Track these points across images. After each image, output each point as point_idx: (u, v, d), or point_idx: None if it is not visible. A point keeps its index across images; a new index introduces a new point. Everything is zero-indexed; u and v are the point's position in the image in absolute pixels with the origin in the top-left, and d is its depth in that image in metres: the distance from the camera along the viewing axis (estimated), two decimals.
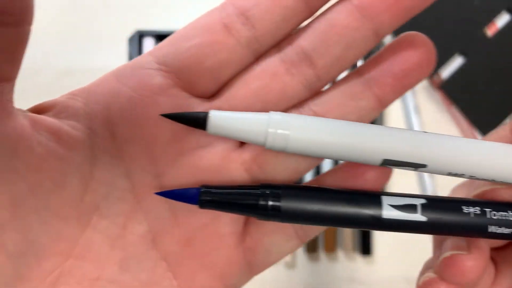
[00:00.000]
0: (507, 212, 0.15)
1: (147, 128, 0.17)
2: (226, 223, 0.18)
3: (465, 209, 0.15)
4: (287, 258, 0.45)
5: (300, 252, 0.46)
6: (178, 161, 0.18)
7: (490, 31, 0.43)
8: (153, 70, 0.17)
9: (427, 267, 0.20)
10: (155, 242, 0.18)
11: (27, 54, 0.50)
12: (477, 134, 0.43)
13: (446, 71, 0.43)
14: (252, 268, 0.19)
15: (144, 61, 0.18)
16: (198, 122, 0.16)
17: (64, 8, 0.46)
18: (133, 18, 0.46)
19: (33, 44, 0.50)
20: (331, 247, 0.45)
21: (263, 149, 0.18)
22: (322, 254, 0.46)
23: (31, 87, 0.46)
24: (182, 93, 0.17)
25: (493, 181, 0.16)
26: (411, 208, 0.15)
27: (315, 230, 0.19)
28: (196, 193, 0.16)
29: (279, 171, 0.18)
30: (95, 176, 0.17)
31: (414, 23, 0.42)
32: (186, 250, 0.18)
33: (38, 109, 0.18)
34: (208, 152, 0.18)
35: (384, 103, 0.18)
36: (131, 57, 0.44)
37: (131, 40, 0.44)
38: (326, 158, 0.16)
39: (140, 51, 0.44)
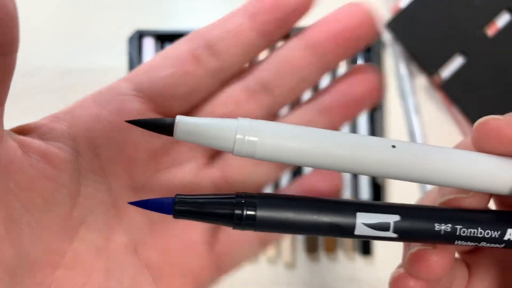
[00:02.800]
0: (476, 229, 0.15)
1: (126, 149, 0.19)
2: (198, 232, 0.20)
3: (437, 226, 0.15)
4: (287, 258, 0.45)
5: (300, 252, 0.46)
6: (154, 178, 0.20)
7: (491, 31, 0.43)
8: (131, 96, 0.20)
9: (398, 266, 0.20)
10: (137, 251, 0.20)
11: (27, 53, 0.50)
12: None
13: (446, 71, 0.43)
14: (221, 271, 0.22)
15: (122, 87, 0.20)
16: (165, 127, 0.15)
17: (64, 8, 0.47)
18: (133, 18, 0.47)
19: (34, 44, 0.50)
20: (331, 247, 0.45)
21: (230, 165, 0.20)
22: (322, 254, 0.46)
23: (32, 86, 0.46)
24: (158, 116, 0.20)
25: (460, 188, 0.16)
26: (383, 226, 0.15)
27: (275, 236, 0.21)
28: (170, 203, 0.15)
29: (247, 186, 0.20)
30: (81, 192, 0.19)
31: (416, 23, 0.42)
32: (164, 258, 0.20)
33: (22, 130, 0.19)
34: (181, 170, 0.20)
35: (335, 128, 0.20)
36: (130, 57, 0.44)
37: (130, 40, 0.44)
38: (294, 164, 0.16)
39: (140, 51, 0.44)
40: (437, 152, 0.15)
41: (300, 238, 0.46)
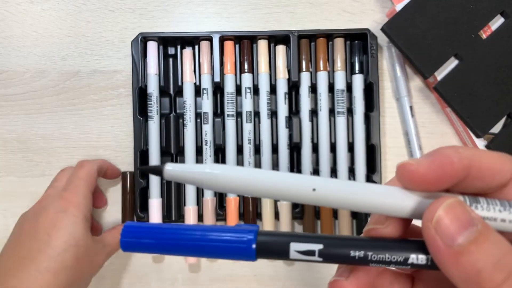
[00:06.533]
0: (385, 255, 0.19)
1: None
2: None
3: (352, 253, 0.19)
4: None
5: None
6: None
7: (485, 34, 0.44)
8: None
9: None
10: None
11: (35, 57, 0.52)
12: (472, 134, 0.44)
13: (442, 73, 0.44)
14: None
15: None
16: (157, 172, 0.20)
17: (70, 13, 0.48)
18: (136, 21, 0.48)
19: (42, 48, 0.52)
20: None
21: None
22: None
23: (40, 88, 0.47)
24: None
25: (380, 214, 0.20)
26: (310, 252, 0.19)
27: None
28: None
29: None
30: None
31: (411, 26, 0.43)
32: None
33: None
34: None
35: None
36: (134, 59, 0.45)
37: (134, 42, 0.45)
38: (244, 194, 0.20)
39: (144, 53, 0.46)
40: (350, 188, 0.19)
41: None
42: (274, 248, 0.19)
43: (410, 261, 0.19)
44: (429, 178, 0.18)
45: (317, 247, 0.19)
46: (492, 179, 0.19)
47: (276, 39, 0.47)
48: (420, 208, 0.19)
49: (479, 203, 0.19)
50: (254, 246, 0.19)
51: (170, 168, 0.19)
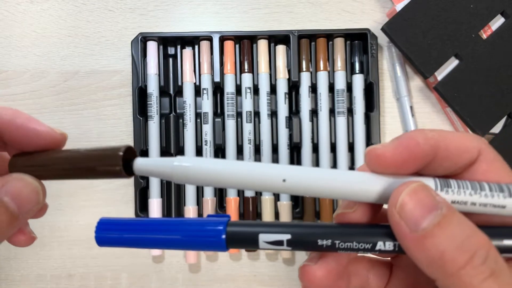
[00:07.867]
0: (352, 242, 0.19)
1: None
2: None
3: (320, 242, 0.19)
4: (286, 255, 0.46)
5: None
6: None
7: (485, 34, 0.44)
8: None
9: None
10: None
11: (36, 57, 0.52)
12: None
13: (442, 73, 0.44)
14: None
15: None
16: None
17: (70, 13, 0.48)
18: (136, 21, 0.48)
19: (42, 48, 0.52)
20: None
21: None
22: None
23: (40, 88, 0.47)
24: None
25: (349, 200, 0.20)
26: (279, 243, 0.19)
27: None
28: None
29: None
30: None
31: (412, 26, 0.43)
32: None
33: None
34: None
35: None
36: (133, 59, 0.45)
37: (134, 42, 0.45)
38: (216, 186, 0.20)
39: (144, 53, 0.46)
40: (318, 175, 0.19)
41: None
42: (243, 239, 0.20)
43: (377, 247, 0.19)
44: (396, 160, 0.18)
45: (285, 237, 0.19)
46: (459, 158, 0.19)
47: (276, 39, 0.47)
48: (387, 193, 0.19)
49: (450, 187, 0.19)
50: (223, 237, 0.19)
51: (139, 163, 0.19)
